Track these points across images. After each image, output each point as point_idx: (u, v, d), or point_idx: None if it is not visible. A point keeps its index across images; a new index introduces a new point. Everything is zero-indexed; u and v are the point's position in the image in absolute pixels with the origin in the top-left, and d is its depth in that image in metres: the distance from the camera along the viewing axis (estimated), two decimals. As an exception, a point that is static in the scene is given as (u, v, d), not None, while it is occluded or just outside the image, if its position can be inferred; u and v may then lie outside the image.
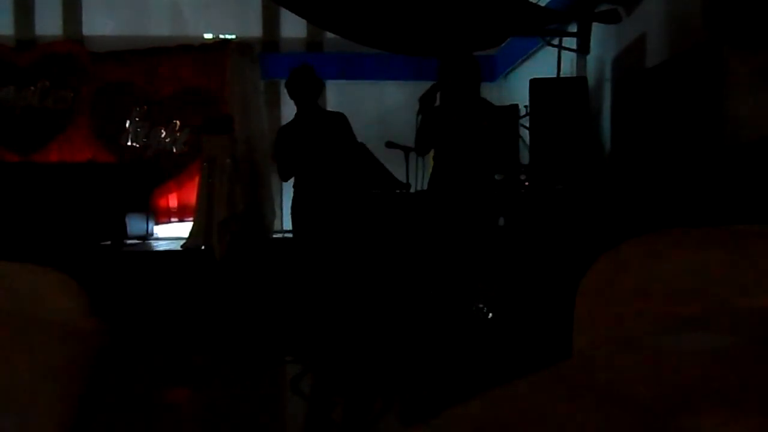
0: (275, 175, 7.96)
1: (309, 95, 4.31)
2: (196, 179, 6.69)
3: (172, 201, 7.79)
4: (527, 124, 5.45)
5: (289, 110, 8.25)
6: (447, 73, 3.90)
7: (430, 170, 4.16)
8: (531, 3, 5.40)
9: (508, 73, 7.79)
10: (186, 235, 6.51)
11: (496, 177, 4.56)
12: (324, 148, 4.19)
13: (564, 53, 5.65)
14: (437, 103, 4.02)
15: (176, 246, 6.44)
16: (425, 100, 3.95)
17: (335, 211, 4.18)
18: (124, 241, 6.59)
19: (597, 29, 5.47)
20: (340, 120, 4.29)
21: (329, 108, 8.00)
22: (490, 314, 4.37)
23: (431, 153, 4.15)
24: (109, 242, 6.35)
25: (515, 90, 7.10)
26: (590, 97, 5.26)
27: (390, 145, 4.60)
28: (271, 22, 8.12)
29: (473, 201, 3.82)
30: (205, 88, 7.74)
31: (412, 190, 4.36)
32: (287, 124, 4.56)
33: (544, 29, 5.77)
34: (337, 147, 4.20)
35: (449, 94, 3.92)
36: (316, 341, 4.21)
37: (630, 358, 0.46)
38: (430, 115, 3.96)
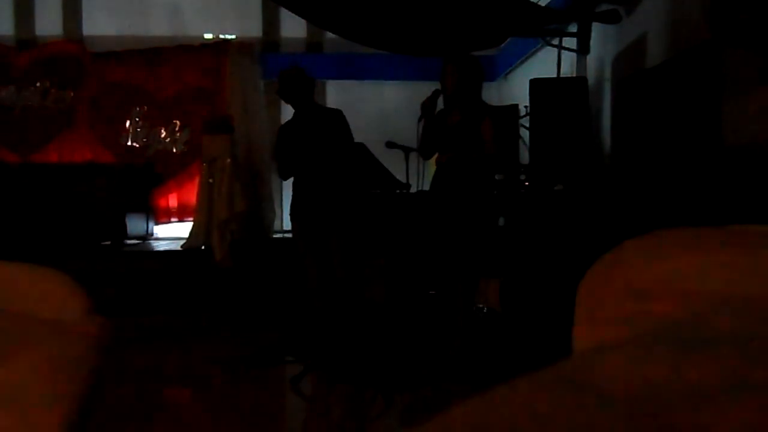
0: (275, 175, 8.01)
1: (302, 95, 4.31)
2: (196, 179, 6.70)
3: (172, 201, 7.79)
4: (527, 124, 5.45)
5: (289, 110, 8.30)
6: (450, 74, 3.90)
7: (432, 172, 4.15)
8: (531, 3, 5.40)
9: (508, 73, 7.79)
10: (186, 235, 6.51)
11: (496, 177, 4.55)
12: (321, 145, 4.19)
13: (564, 53, 5.65)
14: (440, 108, 4.02)
15: (176, 246, 6.44)
16: (426, 107, 3.94)
17: (333, 209, 4.17)
18: (124, 241, 6.60)
19: (597, 29, 5.47)
20: (337, 117, 4.29)
21: (329, 108, 8.03)
22: (490, 314, 4.37)
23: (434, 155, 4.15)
24: (109, 242, 6.35)
25: (515, 90, 7.11)
26: (590, 97, 5.27)
27: (390, 145, 4.61)
28: (271, 22, 8.13)
29: (473, 201, 3.82)
30: (205, 88, 7.74)
31: (412, 190, 4.35)
32: (287, 122, 4.56)
33: (544, 29, 5.77)
34: (334, 144, 4.20)
35: (451, 95, 3.91)
36: (316, 340, 4.21)
37: (630, 358, 0.46)
38: (433, 120, 3.96)
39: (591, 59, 5.66)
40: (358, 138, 4.45)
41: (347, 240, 4.18)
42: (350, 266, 4.18)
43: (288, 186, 8.12)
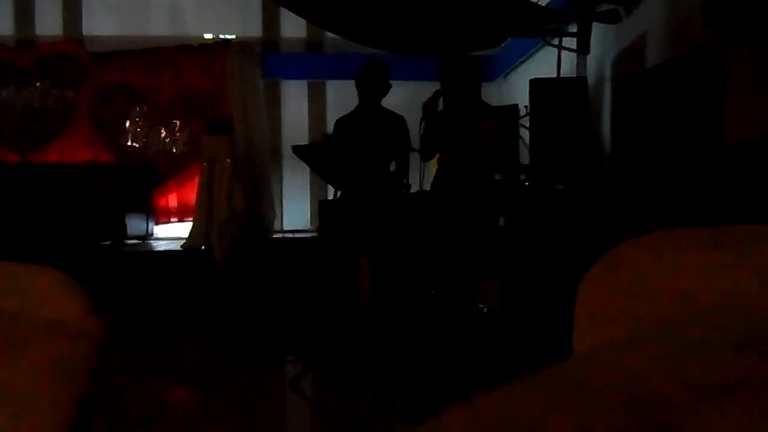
0: (275, 175, 8.01)
1: (375, 92, 4.28)
2: (196, 179, 6.70)
3: (172, 201, 7.79)
4: (527, 124, 5.45)
5: (288, 111, 8.30)
6: (450, 75, 3.90)
7: (433, 172, 4.15)
8: (531, 3, 5.40)
9: (508, 73, 7.79)
10: (186, 235, 6.51)
11: (496, 177, 4.55)
12: (379, 147, 4.13)
13: (564, 53, 5.64)
14: (440, 108, 4.02)
15: (176, 246, 6.44)
16: (428, 107, 3.94)
17: (379, 215, 4.13)
18: (124, 241, 6.60)
19: (597, 29, 5.47)
20: (399, 122, 4.27)
21: (328, 108, 8.01)
22: (490, 314, 4.37)
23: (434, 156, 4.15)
24: (109, 242, 6.35)
25: (515, 90, 7.10)
26: (590, 97, 5.26)
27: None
28: (271, 22, 8.12)
29: (474, 201, 3.82)
30: (205, 88, 7.74)
31: (412, 190, 4.35)
32: (344, 116, 4.51)
33: (544, 29, 5.77)
34: (392, 148, 4.16)
35: (452, 96, 3.91)
36: (317, 340, 4.22)
37: (630, 358, 0.46)
38: (434, 121, 3.96)
39: (591, 59, 5.66)
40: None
41: (385, 246, 4.14)
42: (382, 272, 4.14)
43: (288, 186, 8.16)
